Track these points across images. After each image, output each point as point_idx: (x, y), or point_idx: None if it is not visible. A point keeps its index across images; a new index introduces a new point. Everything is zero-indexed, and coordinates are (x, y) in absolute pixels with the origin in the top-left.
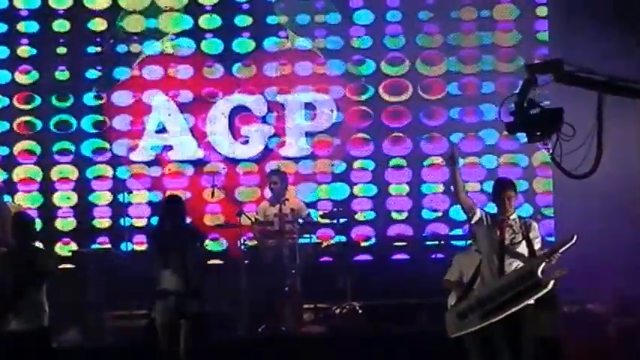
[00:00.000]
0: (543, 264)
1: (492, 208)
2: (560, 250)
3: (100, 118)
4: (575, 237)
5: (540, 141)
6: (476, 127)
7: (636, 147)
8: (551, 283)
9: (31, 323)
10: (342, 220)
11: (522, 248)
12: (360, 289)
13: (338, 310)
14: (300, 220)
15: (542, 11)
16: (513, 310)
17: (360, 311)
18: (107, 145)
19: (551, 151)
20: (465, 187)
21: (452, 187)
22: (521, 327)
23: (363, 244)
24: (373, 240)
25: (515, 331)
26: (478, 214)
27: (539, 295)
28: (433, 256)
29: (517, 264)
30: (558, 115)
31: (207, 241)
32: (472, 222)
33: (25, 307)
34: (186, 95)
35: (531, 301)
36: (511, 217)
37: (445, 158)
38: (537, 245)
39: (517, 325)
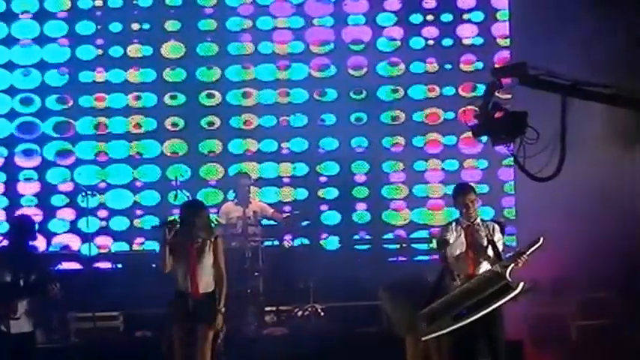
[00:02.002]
0: (511, 266)
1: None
2: (527, 253)
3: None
4: (542, 239)
5: (504, 144)
6: (437, 131)
7: (599, 148)
8: (520, 285)
9: (27, 326)
10: (304, 223)
11: (488, 251)
12: (322, 290)
13: (300, 312)
14: (265, 220)
15: (503, 15)
16: (483, 312)
17: (322, 313)
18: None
19: (514, 153)
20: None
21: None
22: (494, 328)
23: (325, 247)
24: (336, 242)
25: (488, 332)
26: (448, 235)
27: (509, 297)
28: (393, 259)
29: (486, 267)
30: (522, 118)
31: None
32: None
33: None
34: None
35: (502, 303)
36: (475, 222)
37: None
38: (501, 247)
39: (490, 326)
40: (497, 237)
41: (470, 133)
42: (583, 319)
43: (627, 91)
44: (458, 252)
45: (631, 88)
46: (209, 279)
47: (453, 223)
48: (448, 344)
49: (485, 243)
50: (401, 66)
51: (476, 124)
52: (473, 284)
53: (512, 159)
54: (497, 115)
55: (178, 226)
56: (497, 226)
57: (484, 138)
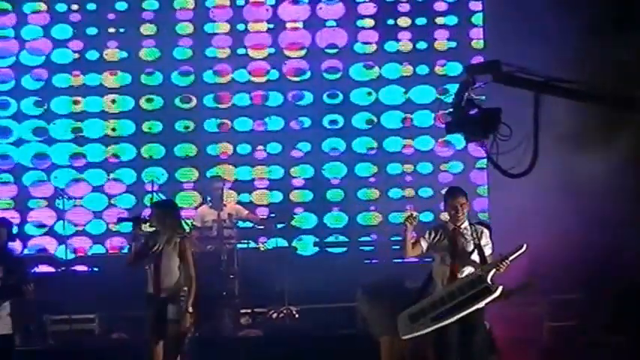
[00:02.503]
0: (493, 271)
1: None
2: (510, 259)
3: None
4: (525, 246)
5: (478, 141)
6: (411, 134)
7: (572, 148)
8: (499, 289)
9: (7, 327)
10: (279, 225)
11: (474, 255)
12: (297, 292)
13: (275, 314)
14: (240, 222)
15: (477, 19)
16: (463, 314)
17: (296, 315)
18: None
19: (488, 150)
20: (410, 251)
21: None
22: (475, 330)
23: (300, 249)
24: (311, 245)
25: (469, 334)
26: (425, 245)
27: (488, 300)
28: (367, 261)
29: (469, 270)
30: (496, 115)
31: None
32: (424, 253)
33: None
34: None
35: (481, 306)
36: (462, 226)
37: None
38: (488, 251)
39: (471, 327)
40: (485, 241)
41: (444, 137)
42: (554, 321)
43: (598, 88)
44: (442, 255)
45: (602, 85)
46: (175, 279)
47: (433, 232)
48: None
49: (470, 247)
50: (375, 69)
51: (449, 121)
52: (455, 287)
53: (485, 162)
54: (471, 112)
55: (148, 225)
56: (486, 231)
57: (459, 141)
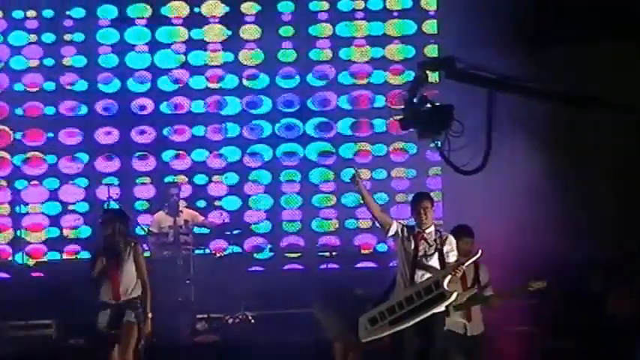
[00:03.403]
0: (449, 277)
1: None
2: (465, 264)
3: None
4: (480, 252)
5: (430, 137)
6: (367, 140)
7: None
8: (454, 295)
9: None
10: (235, 232)
11: (434, 260)
12: (253, 298)
13: (231, 320)
14: (197, 228)
15: (431, 26)
16: (419, 318)
17: (252, 320)
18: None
19: (440, 147)
20: (376, 205)
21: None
22: (433, 334)
23: (256, 255)
24: (267, 251)
25: (427, 339)
26: (394, 227)
27: (444, 305)
28: (323, 266)
29: (428, 275)
30: (448, 111)
31: None
32: (388, 235)
33: None
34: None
35: (439, 310)
36: (427, 230)
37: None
38: (452, 258)
39: (430, 333)
40: (448, 248)
41: (398, 143)
42: (510, 325)
43: (553, 86)
44: (404, 257)
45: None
46: (132, 284)
47: (401, 226)
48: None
49: (431, 252)
50: (330, 76)
51: (403, 117)
52: (413, 291)
53: (439, 168)
54: (425, 108)
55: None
56: (452, 239)
57: (412, 147)
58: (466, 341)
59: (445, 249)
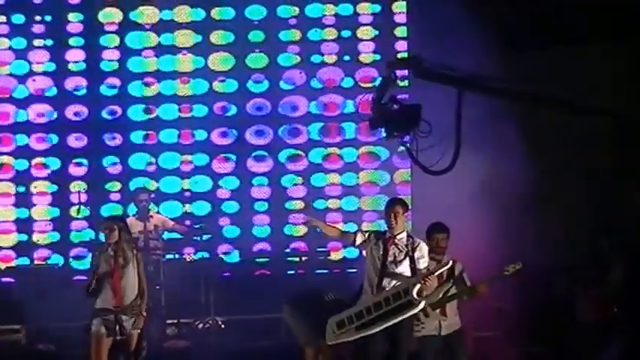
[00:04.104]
0: (418, 285)
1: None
2: (435, 273)
3: None
4: (451, 262)
5: (398, 137)
6: (337, 145)
7: (494, 149)
8: (422, 303)
9: None
10: (205, 237)
11: (404, 266)
12: (223, 303)
13: (201, 325)
14: (167, 233)
15: (402, 32)
16: (386, 325)
17: (222, 326)
18: None
19: (408, 147)
20: (334, 229)
21: None
22: (399, 339)
23: (226, 260)
24: (236, 256)
25: (394, 345)
26: (359, 237)
27: (411, 313)
28: (292, 271)
29: (396, 281)
30: (416, 111)
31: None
32: (355, 246)
33: None
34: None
35: (405, 317)
36: (398, 236)
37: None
38: (422, 265)
39: (397, 339)
40: (419, 255)
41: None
42: (479, 331)
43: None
44: (372, 263)
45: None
46: (135, 292)
47: (368, 234)
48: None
49: (401, 257)
50: (300, 82)
51: (372, 117)
52: (382, 297)
53: (409, 173)
54: (393, 108)
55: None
56: (423, 245)
57: (384, 152)
58: (439, 342)
59: (416, 255)
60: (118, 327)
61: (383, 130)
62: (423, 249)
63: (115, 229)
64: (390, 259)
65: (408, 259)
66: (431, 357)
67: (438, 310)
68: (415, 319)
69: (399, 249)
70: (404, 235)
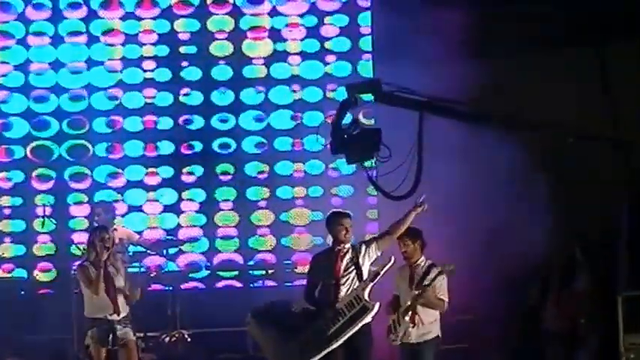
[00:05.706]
0: (368, 288)
1: None
2: (381, 273)
3: None
4: (393, 259)
5: (358, 162)
6: (301, 158)
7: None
8: (377, 305)
9: None
10: (171, 251)
11: (352, 275)
12: (189, 316)
13: (167, 338)
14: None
15: (365, 44)
16: (347, 335)
17: (189, 339)
18: None
19: (369, 172)
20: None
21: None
22: (359, 353)
23: (192, 273)
24: (203, 269)
25: (352, 351)
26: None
27: (369, 317)
28: (259, 283)
29: (346, 291)
30: (375, 136)
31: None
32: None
33: None
34: None
35: (365, 323)
36: (345, 246)
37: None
38: (366, 266)
39: (355, 351)
40: (362, 260)
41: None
42: (448, 343)
43: (483, 109)
44: (324, 278)
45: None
46: (125, 301)
47: (321, 254)
48: None
49: (350, 267)
50: (263, 94)
51: (332, 142)
52: (337, 309)
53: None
54: (354, 132)
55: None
56: (364, 246)
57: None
58: (408, 350)
59: (360, 261)
60: (111, 337)
61: (344, 155)
62: (362, 249)
63: (111, 237)
64: (341, 271)
65: (355, 267)
66: None
67: (407, 318)
68: (392, 329)
69: (347, 259)
70: (349, 245)
